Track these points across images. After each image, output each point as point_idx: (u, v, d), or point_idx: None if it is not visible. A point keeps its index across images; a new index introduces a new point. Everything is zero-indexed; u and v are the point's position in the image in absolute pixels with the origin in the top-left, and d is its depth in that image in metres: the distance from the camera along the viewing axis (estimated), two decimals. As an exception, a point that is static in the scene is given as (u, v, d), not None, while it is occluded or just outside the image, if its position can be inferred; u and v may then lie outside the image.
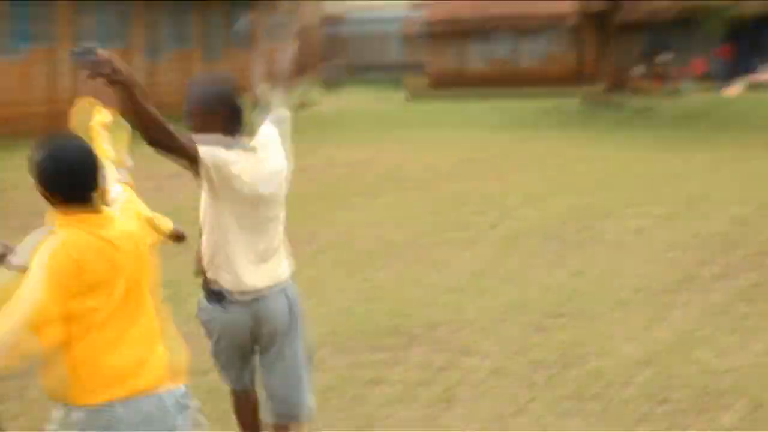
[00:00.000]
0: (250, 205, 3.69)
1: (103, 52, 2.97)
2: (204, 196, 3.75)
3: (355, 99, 30.81)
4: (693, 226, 9.27)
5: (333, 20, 48.51)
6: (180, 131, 3.47)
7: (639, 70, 36.88)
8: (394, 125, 21.25)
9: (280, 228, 3.87)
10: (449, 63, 41.15)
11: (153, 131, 3.30)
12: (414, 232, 9.42)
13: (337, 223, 9.91)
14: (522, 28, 40.80)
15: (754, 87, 34.93)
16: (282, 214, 3.86)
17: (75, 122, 3.23)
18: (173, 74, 22.71)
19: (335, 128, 20.41)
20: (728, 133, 19.01)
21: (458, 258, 8.31)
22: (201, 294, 3.86)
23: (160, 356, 2.90)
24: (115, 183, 3.14)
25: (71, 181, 2.80)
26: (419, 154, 15.71)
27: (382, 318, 6.43)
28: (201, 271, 3.84)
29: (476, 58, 41.71)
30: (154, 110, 3.27)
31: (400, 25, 44.70)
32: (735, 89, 35.07)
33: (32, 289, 2.65)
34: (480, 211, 10.50)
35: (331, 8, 47.82)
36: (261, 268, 3.75)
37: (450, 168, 14.17)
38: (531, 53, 41.47)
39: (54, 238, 2.74)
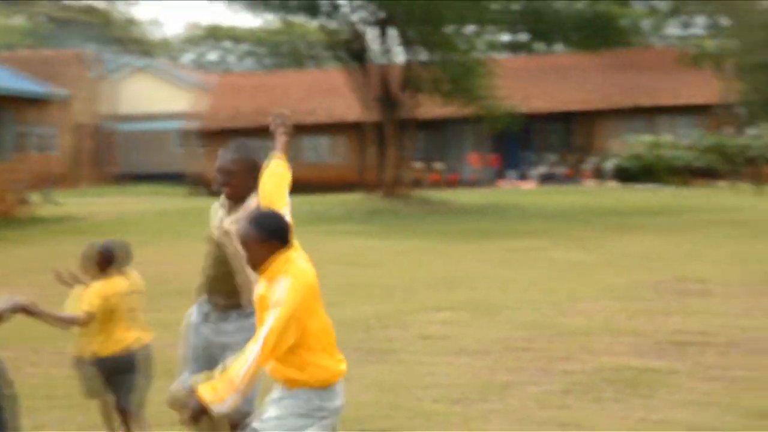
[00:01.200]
0: None
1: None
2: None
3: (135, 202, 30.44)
4: (485, 330, 8.97)
5: (109, 124, 48.16)
6: None
7: (419, 166, 37.91)
8: (173, 228, 20.53)
9: None
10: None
11: None
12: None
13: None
14: (314, 129, 41.48)
15: (545, 180, 36.86)
16: None
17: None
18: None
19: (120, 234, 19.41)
20: (515, 224, 19.86)
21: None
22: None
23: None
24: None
25: (284, 228, 3.87)
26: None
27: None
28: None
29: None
30: None
31: (178, 131, 45.17)
32: (529, 183, 36.53)
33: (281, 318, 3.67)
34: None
35: (108, 111, 47.51)
36: None
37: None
38: (315, 155, 42.30)
39: (285, 279, 3.74)
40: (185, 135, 44.25)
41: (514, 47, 46.87)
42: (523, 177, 38.81)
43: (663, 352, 7.82)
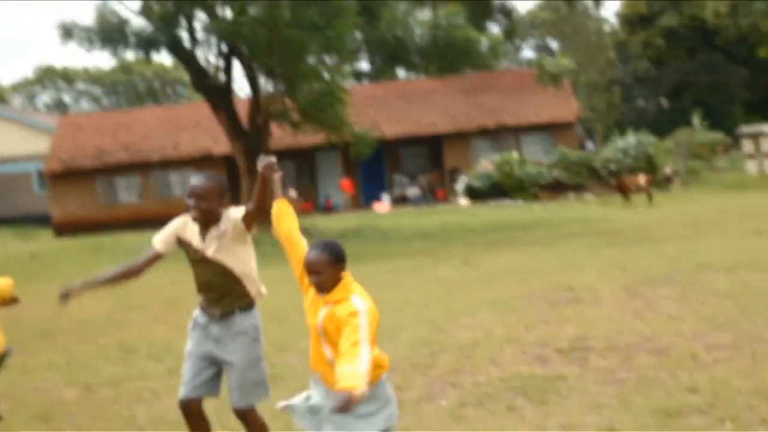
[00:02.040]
0: None
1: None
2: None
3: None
4: (387, 350, 8.91)
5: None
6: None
7: (292, 193, 37.87)
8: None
9: None
10: (82, 206, 40.78)
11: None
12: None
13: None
14: (174, 164, 41.14)
15: (400, 202, 37.35)
16: None
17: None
18: None
19: None
20: (393, 246, 20.19)
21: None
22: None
23: None
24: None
25: (345, 254, 4.35)
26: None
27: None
28: None
29: (120, 193, 41.77)
30: None
31: (37, 173, 44.11)
32: (385, 206, 36.97)
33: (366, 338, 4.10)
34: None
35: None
36: None
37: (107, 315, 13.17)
38: (183, 188, 41.73)
39: (360, 300, 4.29)
40: (42, 177, 43.09)
41: (371, 75, 47.51)
42: (391, 200, 39.34)
43: (558, 359, 8.11)
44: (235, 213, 5.12)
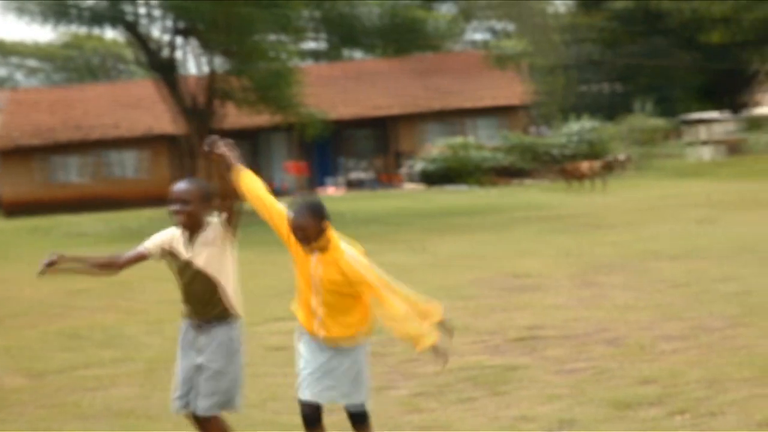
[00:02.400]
0: None
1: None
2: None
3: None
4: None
5: None
6: None
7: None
8: None
9: None
10: (31, 186, 40.15)
11: None
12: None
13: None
14: (119, 143, 40.61)
15: (352, 186, 37.27)
16: None
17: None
18: None
19: None
20: (340, 231, 19.97)
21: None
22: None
23: None
24: None
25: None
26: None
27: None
28: None
29: (69, 173, 41.17)
30: None
31: None
32: (337, 189, 36.90)
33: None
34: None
35: None
36: None
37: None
38: (131, 168, 41.41)
39: (350, 249, 4.84)
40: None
41: (321, 55, 47.18)
42: (337, 183, 39.20)
43: (511, 348, 8.12)
44: (219, 219, 5.08)
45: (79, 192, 39.52)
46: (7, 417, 7.05)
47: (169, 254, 5.15)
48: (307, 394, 5.02)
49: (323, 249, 4.78)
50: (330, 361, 4.95)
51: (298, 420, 6.37)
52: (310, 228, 4.70)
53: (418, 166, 37.36)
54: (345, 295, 4.80)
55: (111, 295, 13.00)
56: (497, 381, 7.06)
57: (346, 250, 4.83)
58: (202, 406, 5.08)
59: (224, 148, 4.98)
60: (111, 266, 5.23)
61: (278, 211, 4.88)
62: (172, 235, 5.16)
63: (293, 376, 7.58)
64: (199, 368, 5.10)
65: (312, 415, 5.00)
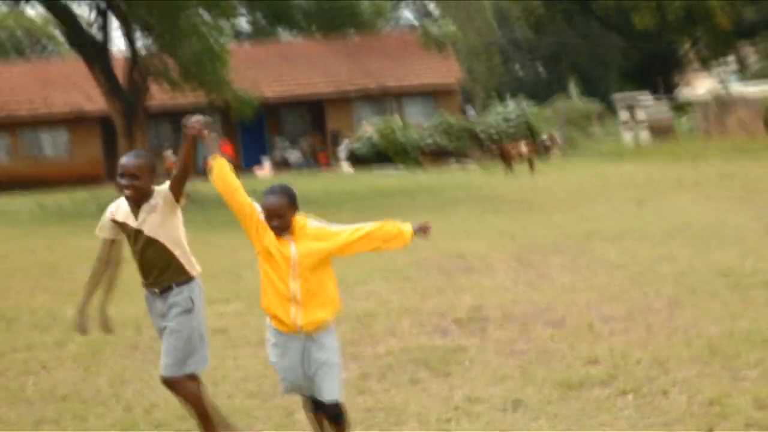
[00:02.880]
0: None
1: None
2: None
3: None
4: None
5: None
6: None
7: (169, 155, 37.04)
8: None
9: None
10: None
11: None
12: None
13: None
14: (45, 122, 39.81)
15: (281, 166, 36.98)
16: None
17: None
18: None
19: None
20: None
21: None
22: None
23: None
24: None
25: None
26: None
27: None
28: None
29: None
30: None
31: None
32: (266, 170, 36.60)
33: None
34: None
35: None
36: None
37: None
38: (55, 148, 40.57)
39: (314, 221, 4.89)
40: None
41: (251, 35, 46.61)
42: (272, 164, 38.85)
43: (456, 329, 8.11)
44: (166, 186, 5.17)
45: (1, 172, 38.60)
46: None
47: (120, 226, 5.23)
48: (287, 389, 5.06)
49: (293, 230, 4.81)
50: (305, 358, 4.89)
51: (241, 403, 6.31)
52: (287, 213, 4.74)
53: (351, 147, 37.20)
54: (319, 267, 4.83)
55: (39, 277, 12.71)
56: (443, 362, 7.04)
57: (306, 220, 4.89)
58: (163, 365, 5.19)
59: (205, 129, 4.98)
60: (103, 270, 5.38)
61: (249, 203, 4.85)
62: (117, 208, 5.26)
63: (236, 359, 7.52)
64: (163, 332, 5.24)
65: (314, 401, 5.00)
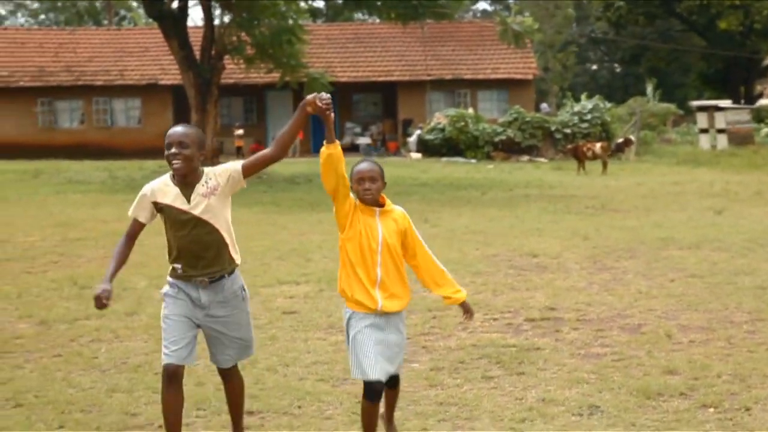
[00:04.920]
0: None
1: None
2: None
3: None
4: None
5: None
6: None
7: (240, 133, 37.22)
8: None
9: None
10: (19, 128, 39.80)
11: None
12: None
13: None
14: (119, 90, 40.27)
15: (349, 151, 36.85)
16: None
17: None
18: None
19: None
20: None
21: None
22: None
23: None
24: None
25: None
26: None
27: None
28: None
29: (61, 118, 40.95)
30: None
31: None
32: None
33: None
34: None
35: None
36: None
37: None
38: (128, 117, 41.07)
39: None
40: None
41: (328, 15, 46.69)
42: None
43: (529, 328, 7.96)
44: (230, 165, 4.82)
45: (70, 137, 39.15)
46: (18, 362, 6.90)
47: (162, 210, 4.79)
48: (377, 372, 4.75)
49: (381, 206, 4.91)
50: (388, 336, 4.87)
51: (312, 386, 6.25)
52: (380, 180, 4.82)
53: (421, 135, 37.00)
54: (399, 254, 4.92)
55: (109, 246, 12.78)
56: (517, 360, 6.90)
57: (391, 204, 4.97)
58: (223, 358, 5.01)
59: (329, 110, 4.72)
60: (128, 252, 4.93)
61: (346, 188, 4.80)
62: (157, 189, 4.79)
63: (306, 341, 7.48)
64: (201, 328, 4.91)
65: (381, 390, 4.84)
